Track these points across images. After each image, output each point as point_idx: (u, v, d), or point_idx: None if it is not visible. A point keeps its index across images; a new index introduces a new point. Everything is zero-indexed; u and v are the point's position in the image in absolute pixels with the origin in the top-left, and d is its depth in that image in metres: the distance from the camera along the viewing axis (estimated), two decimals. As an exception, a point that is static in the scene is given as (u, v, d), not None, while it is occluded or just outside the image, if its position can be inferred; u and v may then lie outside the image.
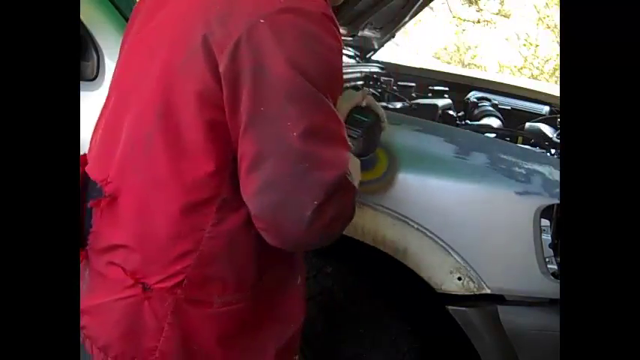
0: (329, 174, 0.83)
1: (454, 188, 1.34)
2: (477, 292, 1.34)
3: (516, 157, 1.37)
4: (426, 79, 2.54)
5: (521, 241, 1.32)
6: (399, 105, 2.03)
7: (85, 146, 1.01)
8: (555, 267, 1.32)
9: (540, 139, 1.77)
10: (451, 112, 2.07)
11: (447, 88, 2.35)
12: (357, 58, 2.62)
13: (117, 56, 1.05)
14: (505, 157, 1.36)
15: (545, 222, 1.31)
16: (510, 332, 1.34)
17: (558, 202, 1.31)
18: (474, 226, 1.34)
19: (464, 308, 1.36)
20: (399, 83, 2.37)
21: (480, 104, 2.23)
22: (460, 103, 2.28)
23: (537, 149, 1.67)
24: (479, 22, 8.99)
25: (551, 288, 1.31)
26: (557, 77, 7.66)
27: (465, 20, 9.00)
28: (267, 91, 0.81)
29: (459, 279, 1.34)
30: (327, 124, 0.85)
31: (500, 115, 2.16)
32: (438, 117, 1.98)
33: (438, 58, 9.04)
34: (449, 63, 8.71)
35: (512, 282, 1.35)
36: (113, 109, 0.98)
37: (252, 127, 0.82)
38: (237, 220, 0.89)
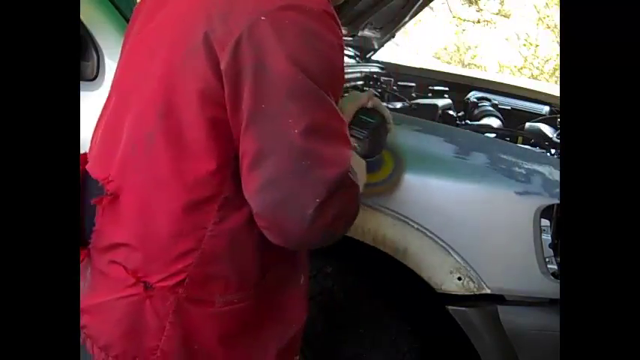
0: (331, 171, 0.83)
1: (454, 188, 1.34)
2: (477, 292, 1.34)
3: (516, 157, 1.37)
4: (426, 79, 2.54)
5: (521, 241, 1.32)
6: (399, 105, 2.03)
7: (85, 146, 1.01)
8: (555, 267, 1.32)
9: (540, 139, 1.77)
10: (451, 112, 2.07)
11: (447, 88, 2.35)
12: (357, 58, 2.62)
13: (117, 56, 1.05)
14: (505, 157, 1.36)
15: (545, 222, 1.31)
16: (510, 332, 1.34)
17: (558, 202, 1.31)
18: (474, 226, 1.34)
19: (464, 308, 1.35)
20: (399, 83, 2.37)
21: (480, 104, 2.23)
22: (460, 103, 2.28)
23: (537, 149, 1.66)
24: (479, 22, 8.99)
25: (551, 288, 1.31)
26: (557, 77, 7.66)
27: (465, 20, 9.00)
28: (268, 88, 0.81)
29: (459, 279, 1.34)
30: (328, 122, 0.85)
31: (500, 115, 2.16)
32: (438, 117, 1.98)
33: (438, 58, 9.04)
34: (449, 63, 8.71)
35: (512, 282, 1.35)
36: (114, 109, 0.98)
37: (254, 124, 0.82)
38: (239, 219, 0.89)
